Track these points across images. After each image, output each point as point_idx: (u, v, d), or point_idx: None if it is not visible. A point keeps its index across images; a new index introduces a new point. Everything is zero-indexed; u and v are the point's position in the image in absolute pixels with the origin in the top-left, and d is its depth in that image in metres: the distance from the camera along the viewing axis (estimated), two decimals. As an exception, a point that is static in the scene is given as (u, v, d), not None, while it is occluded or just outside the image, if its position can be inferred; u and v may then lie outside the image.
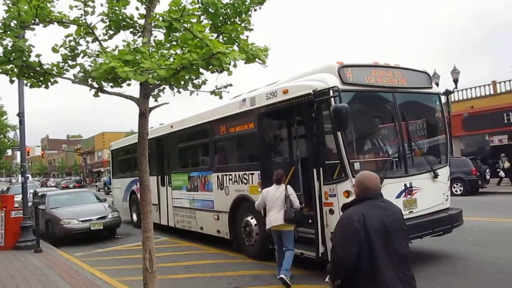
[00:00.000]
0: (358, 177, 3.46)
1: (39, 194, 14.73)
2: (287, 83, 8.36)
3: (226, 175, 9.77)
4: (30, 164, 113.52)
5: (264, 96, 8.52)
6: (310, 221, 7.43)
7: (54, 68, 4.92)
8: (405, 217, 7.20)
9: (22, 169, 13.36)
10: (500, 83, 27.65)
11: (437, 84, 20.65)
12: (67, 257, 10.52)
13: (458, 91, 27.45)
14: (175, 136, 12.55)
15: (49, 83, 5.04)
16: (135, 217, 15.58)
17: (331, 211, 6.89)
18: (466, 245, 8.99)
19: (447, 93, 23.66)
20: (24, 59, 4.54)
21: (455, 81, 23.91)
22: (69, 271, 8.66)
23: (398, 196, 7.33)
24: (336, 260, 3.18)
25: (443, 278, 6.88)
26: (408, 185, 7.47)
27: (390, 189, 7.20)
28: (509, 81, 27.61)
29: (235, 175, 9.40)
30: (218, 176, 10.09)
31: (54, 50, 4.95)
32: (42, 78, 4.94)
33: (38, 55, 4.74)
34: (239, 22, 5.03)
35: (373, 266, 3.04)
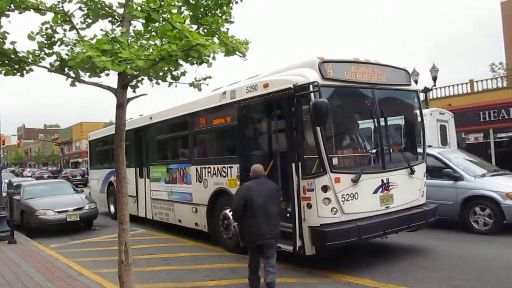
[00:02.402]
0: (253, 167, 6.56)
1: (14, 184, 14.48)
2: (267, 77, 8.35)
3: (205, 168, 9.74)
4: (5, 154, 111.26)
5: (245, 89, 8.50)
6: (288, 215, 7.47)
7: (30, 56, 4.80)
8: (381, 212, 7.44)
9: (-4, 158, 13.09)
10: (477, 82, 28.18)
11: (416, 82, 20.92)
12: (42, 248, 10.38)
13: (436, 88, 27.86)
14: (154, 128, 12.44)
15: (24, 71, 4.93)
16: (112, 209, 15.45)
17: (309, 206, 6.93)
18: (439, 240, 9.18)
19: (426, 90, 23.97)
20: (-2, 46, 4.43)
21: (434, 79, 24.23)
22: (44, 263, 8.54)
23: (375, 192, 7.42)
24: (233, 208, 6.43)
25: (415, 272, 7.00)
26: (385, 181, 7.55)
27: (367, 185, 7.30)
28: (486, 80, 28.17)
29: (214, 168, 9.38)
30: (197, 169, 10.06)
31: (30, 37, 4.83)
32: (17, 66, 4.83)
33: (13, 42, 4.64)
34: (219, 14, 4.99)
35: (253, 213, 5.99)
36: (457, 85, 28.82)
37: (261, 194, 6.07)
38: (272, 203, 6.16)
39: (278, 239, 6.41)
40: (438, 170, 10.48)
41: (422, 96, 17.45)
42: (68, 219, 12.76)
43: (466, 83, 28.52)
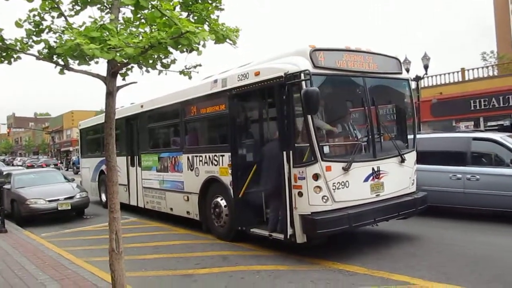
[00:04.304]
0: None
1: (4, 173, 14.39)
2: (259, 65, 8.32)
3: (196, 156, 9.73)
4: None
5: (236, 77, 8.46)
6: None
7: (18, 43, 4.72)
8: (372, 200, 7.51)
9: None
10: (468, 70, 28.25)
11: (407, 70, 20.95)
12: (33, 237, 10.34)
13: (428, 77, 27.91)
14: (145, 116, 12.38)
15: (12, 59, 4.85)
16: (104, 197, 15.41)
17: (300, 194, 6.96)
18: (430, 227, 9.25)
19: (417, 79, 24.04)
20: (-15, 33, 4.36)
21: (425, 67, 24.29)
22: (35, 252, 8.53)
23: (366, 180, 7.46)
24: None
25: (406, 259, 7.07)
26: (375, 169, 7.59)
27: (358, 173, 7.34)
28: (477, 68, 28.26)
29: (205, 156, 9.37)
30: (188, 157, 10.04)
31: (18, 24, 4.74)
32: (4, 54, 4.74)
33: (0, 29, 4.56)
34: (210, 1, 4.93)
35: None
36: (448, 73, 28.89)
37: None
38: (274, 163, 7.48)
39: (268, 192, 7.80)
40: (499, 157, 9.68)
41: (413, 85, 17.47)
42: (59, 208, 12.73)
43: (458, 72, 28.59)
